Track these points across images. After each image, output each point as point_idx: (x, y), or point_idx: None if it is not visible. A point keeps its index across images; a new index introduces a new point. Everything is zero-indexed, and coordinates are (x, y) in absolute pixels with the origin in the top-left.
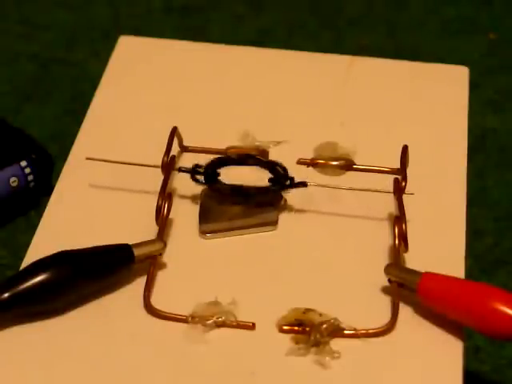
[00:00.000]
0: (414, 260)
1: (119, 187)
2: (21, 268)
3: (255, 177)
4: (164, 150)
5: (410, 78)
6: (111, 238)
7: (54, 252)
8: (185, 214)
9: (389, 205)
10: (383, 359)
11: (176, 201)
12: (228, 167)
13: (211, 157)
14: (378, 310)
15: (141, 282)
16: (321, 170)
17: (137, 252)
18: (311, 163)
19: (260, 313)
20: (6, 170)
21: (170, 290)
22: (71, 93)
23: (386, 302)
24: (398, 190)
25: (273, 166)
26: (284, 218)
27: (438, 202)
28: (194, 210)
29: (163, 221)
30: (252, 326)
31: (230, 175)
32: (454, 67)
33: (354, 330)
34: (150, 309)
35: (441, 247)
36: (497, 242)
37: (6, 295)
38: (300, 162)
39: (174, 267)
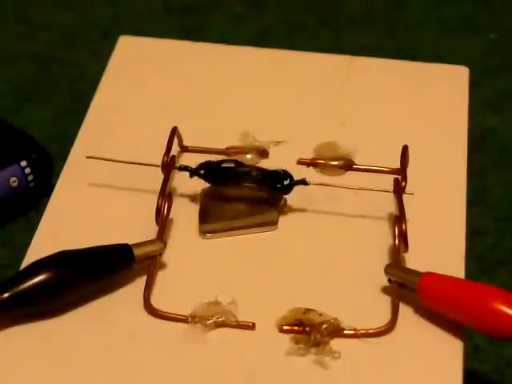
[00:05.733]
0: (414, 260)
1: (119, 187)
2: (21, 268)
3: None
4: (164, 149)
5: (410, 77)
6: (111, 238)
7: (54, 252)
8: (185, 214)
9: (389, 205)
10: (383, 359)
11: (176, 201)
12: (227, 165)
13: (211, 157)
14: (378, 310)
15: (141, 282)
16: (321, 170)
17: (137, 252)
18: (311, 163)
19: (260, 313)
20: (6, 170)
21: (170, 290)
22: (71, 93)
23: (386, 301)
24: (398, 190)
25: (272, 174)
26: (284, 218)
27: (438, 202)
28: (194, 209)
29: (163, 221)
30: (252, 326)
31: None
32: (454, 67)
33: (354, 329)
34: (150, 309)
35: (441, 247)
36: (497, 242)
37: (6, 295)
38: (300, 162)
39: (174, 267)
